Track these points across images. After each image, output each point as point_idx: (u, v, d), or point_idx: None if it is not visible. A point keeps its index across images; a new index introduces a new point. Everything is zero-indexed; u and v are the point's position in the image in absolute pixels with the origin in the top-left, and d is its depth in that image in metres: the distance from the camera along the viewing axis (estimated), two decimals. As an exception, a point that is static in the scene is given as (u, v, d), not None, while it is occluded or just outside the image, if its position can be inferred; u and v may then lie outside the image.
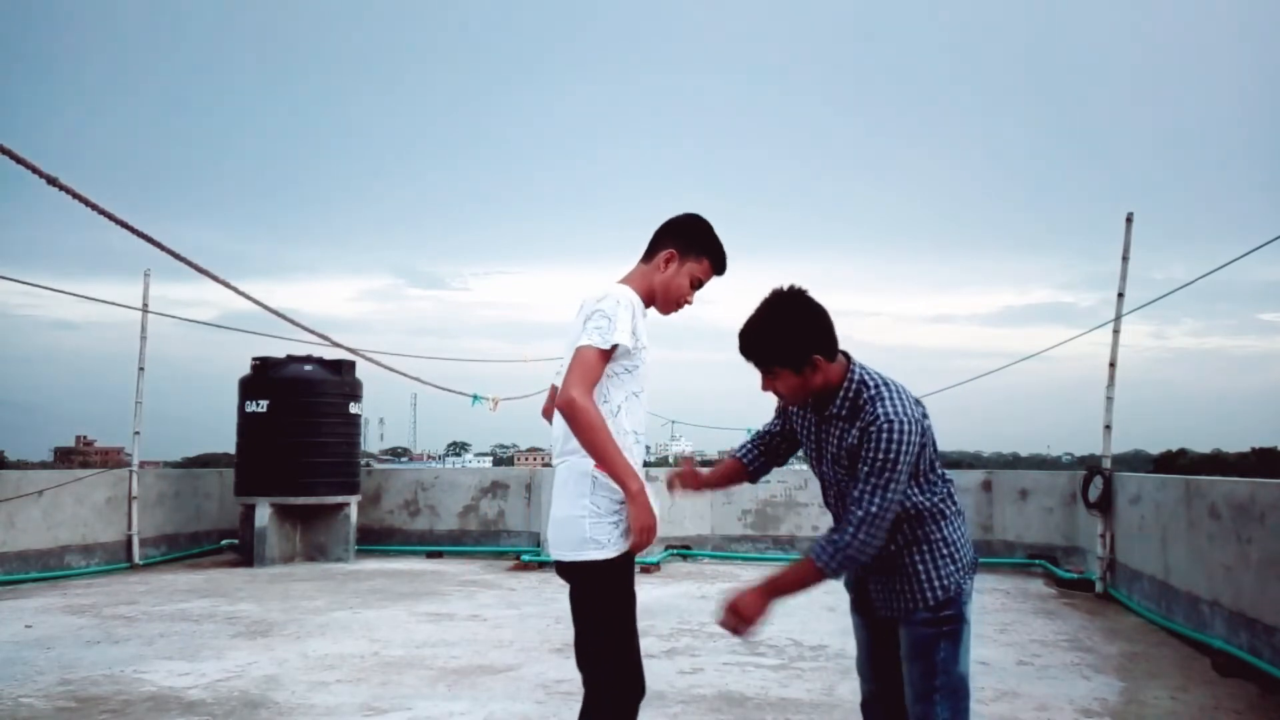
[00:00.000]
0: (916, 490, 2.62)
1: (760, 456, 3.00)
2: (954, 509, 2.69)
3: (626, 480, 2.60)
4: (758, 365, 2.62)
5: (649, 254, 2.89)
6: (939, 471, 2.68)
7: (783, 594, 2.57)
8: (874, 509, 2.48)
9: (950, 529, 2.66)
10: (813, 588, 2.59)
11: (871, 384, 2.57)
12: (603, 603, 2.69)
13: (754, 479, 3.04)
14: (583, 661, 2.74)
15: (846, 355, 2.62)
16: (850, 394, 2.57)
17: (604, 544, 2.64)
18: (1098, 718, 4.62)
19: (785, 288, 2.59)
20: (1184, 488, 6.65)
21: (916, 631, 2.63)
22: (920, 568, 2.63)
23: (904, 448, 2.48)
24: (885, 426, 2.48)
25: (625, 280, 2.86)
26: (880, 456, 2.47)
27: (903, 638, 2.67)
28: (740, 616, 2.56)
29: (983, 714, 4.62)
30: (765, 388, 2.65)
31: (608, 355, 2.65)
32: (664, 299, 2.88)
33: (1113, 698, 4.96)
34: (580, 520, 2.67)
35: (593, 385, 2.62)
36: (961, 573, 2.64)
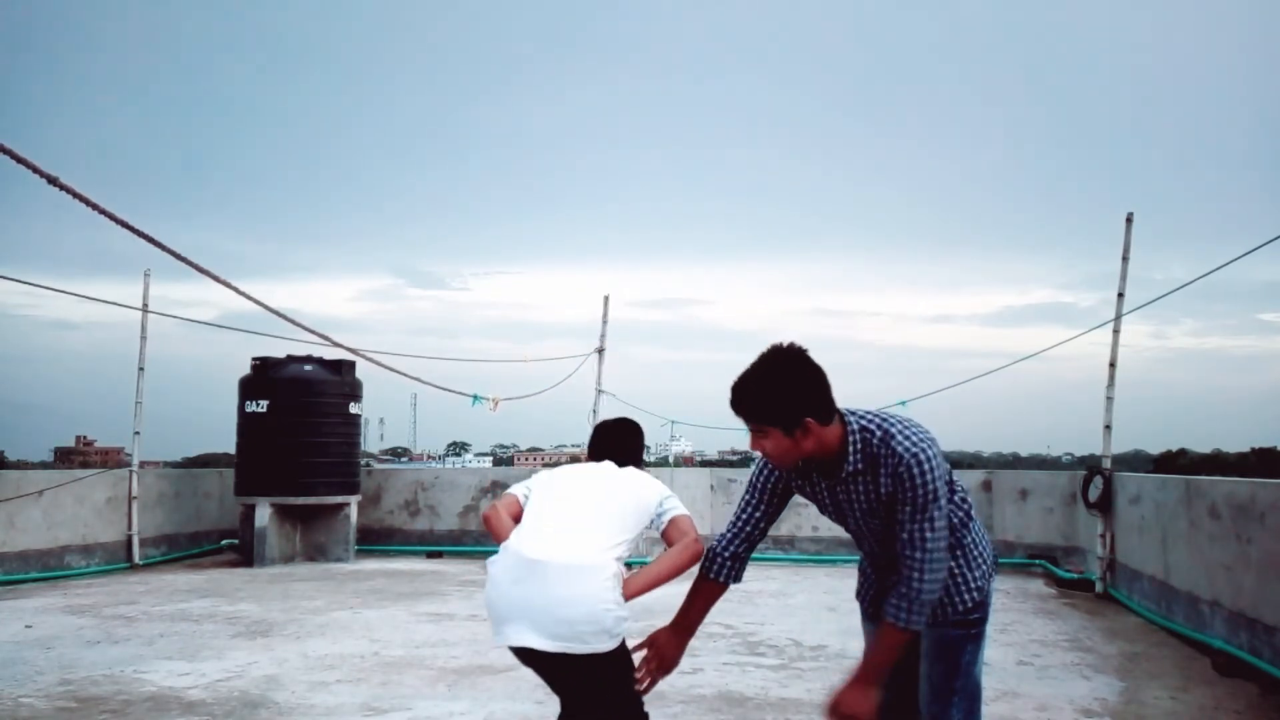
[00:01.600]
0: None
1: (739, 558, 2.81)
2: (970, 513, 2.68)
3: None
4: (748, 421, 2.51)
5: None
6: (953, 478, 2.66)
7: (883, 673, 2.51)
8: (930, 544, 2.43)
9: (974, 533, 2.66)
10: (902, 652, 2.52)
11: (874, 428, 2.48)
12: (621, 684, 2.89)
13: (737, 581, 2.85)
14: None
15: (840, 412, 2.51)
16: (859, 447, 2.48)
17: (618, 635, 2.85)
18: (1098, 718, 4.62)
19: (785, 345, 2.48)
20: (1184, 488, 6.65)
21: (945, 633, 2.61)
22: (956, 575, 2.60)
23: (936, 474, 2.44)
24: (913, 462, 2.41)
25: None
26: (920, 493, 2.42)
27: (926, 637, 2.63)
28: (854, 715, 2.46)
29: (983, 714, 4.62)
30: (754, 446, 2.56)
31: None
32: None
33: (1113, 698, 4.96)
34: (607, 611, 2.75)
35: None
36: (990, 574, 2.65)
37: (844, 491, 2.55)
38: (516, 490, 3.07)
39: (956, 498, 2.64)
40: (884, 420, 2.50)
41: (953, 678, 2.58)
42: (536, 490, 3.03)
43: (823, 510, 2.71)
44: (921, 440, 2.45)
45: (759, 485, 2.74)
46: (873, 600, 2.80)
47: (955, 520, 2.60)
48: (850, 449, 2.47)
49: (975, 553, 2.63)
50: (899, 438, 2.44)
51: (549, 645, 2.69)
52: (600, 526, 2.84)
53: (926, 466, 2.41)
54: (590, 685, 2.84)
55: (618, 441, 3.27)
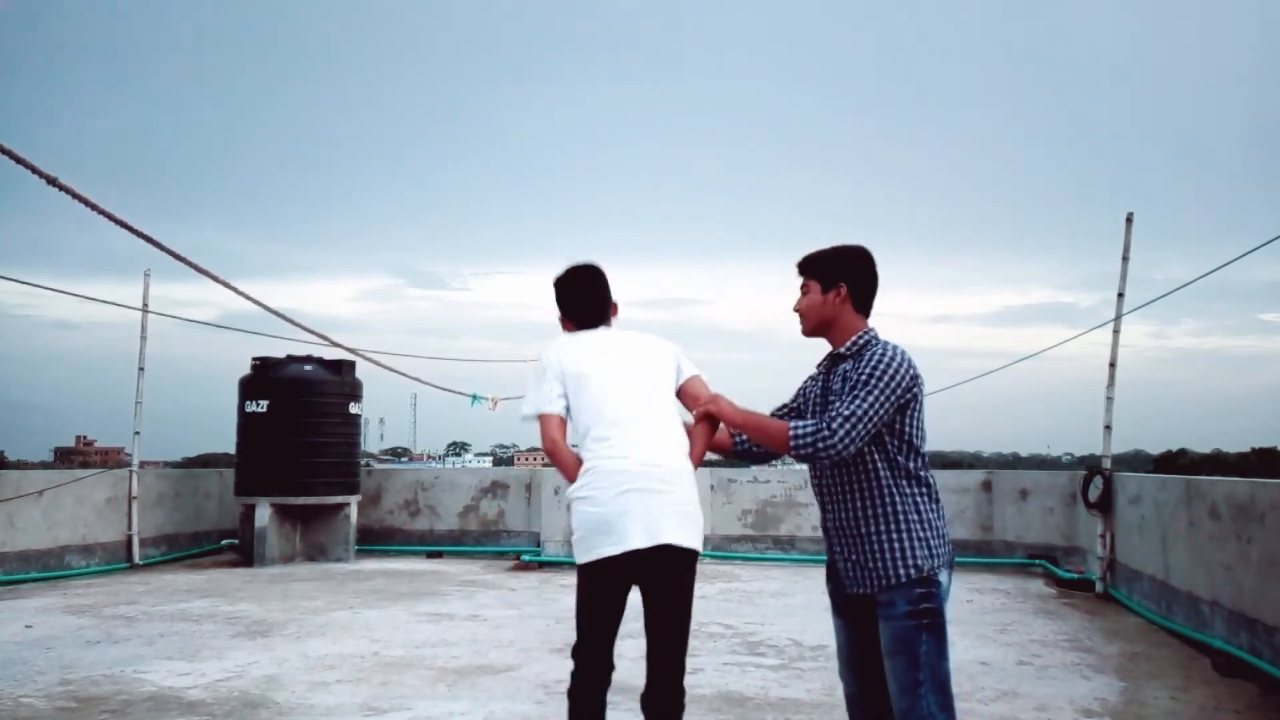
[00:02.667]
0: (897, 447, 2.72)
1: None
2: (933, 496, 2.77)
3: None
4: (801, 274, 2.91)
5: (606, 311, 3.29)
6: (924, 453, 2.77)
7: (746, 427, 2.91)
8: (856, 410, 2.65)
9: (928, 511, 2.73)
10: (768, 445, 2.90)
11: (881, 341, 2.82)
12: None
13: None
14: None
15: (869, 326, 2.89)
16: (861, 341, 2.82)
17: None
18: (1098, 718, 4.61)
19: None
20: (1184, 488, 6.65)
21: (897, 625, 2.66)
22: (891, 541, 2.68)
23: (892, 369, 2.68)
24: (879, 352, 2.73)
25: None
26: (868, 370, 2.69)
27: (883, 633, 2.69)
28: (718, 409, 2.94)
29: (983, 714, 4.62)
30: (796, 306, 2.93)
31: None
32: None
33: (1113, 698, 4.96)
34: (696, 509, 3.04)
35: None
36: (936, 559, 2.68)
37: (830, 378, 2.86)
38: (551, 408, 3.05)
39: (919, 465, 2.76)
40: (891, 342, 2.81)
41: (914, 669, 2.63)
42: (585, 397, 3.03)
43: (810, 406, 2.95)
44: (900, 351, 2.75)
45: (798, 391, 3.08)
46: (829, 573, 2.91)
47: (904, 475, 2.74)
48: (855, 337, 2.84)
49: (921, 533, 2.69)
50: (887, 344, 2.78)
51: (683, 540, 2.92)
52: (669, 422, 3.05)
53: (886, 359, 2.70)
54: (684, 584, 3.01)
55: (602, 299, 3.28)
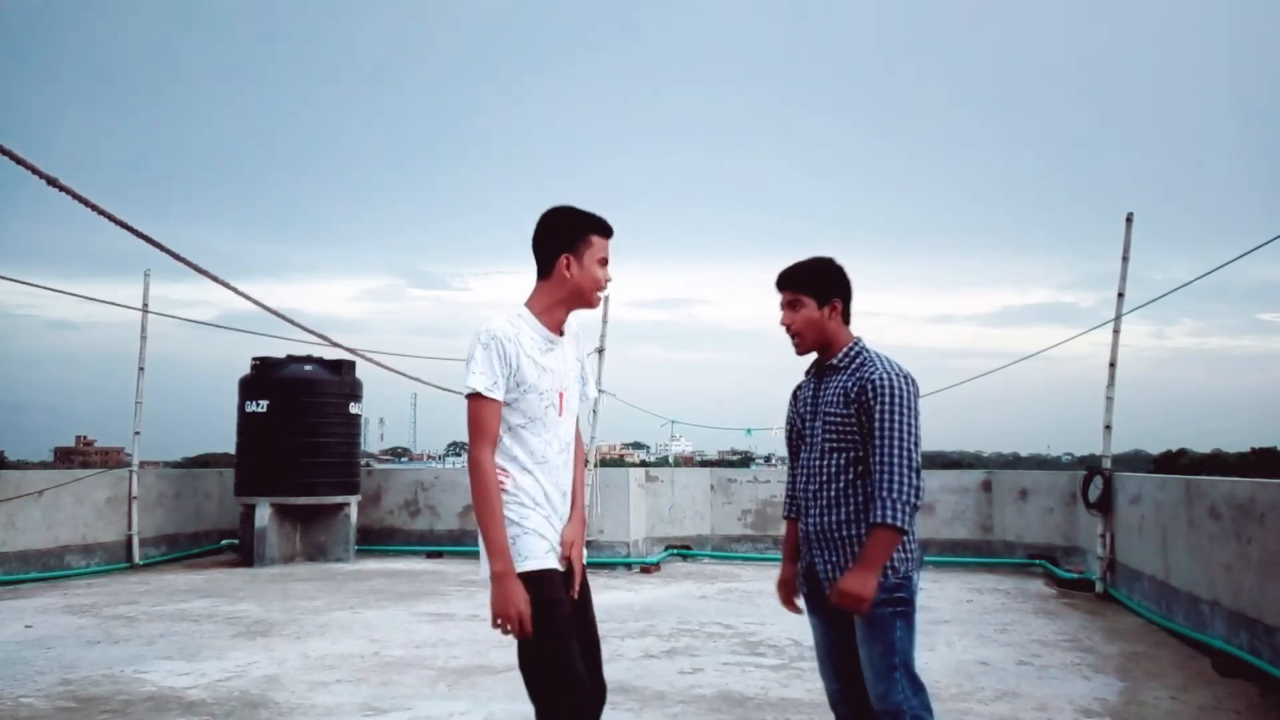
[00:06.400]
0: None
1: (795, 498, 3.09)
2: None
3: (492, 560, 2.60)
4: (789, 289, 2.91)
5: (545, 268, 2.81)
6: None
7: (880, 564, 2.71)
8: (898, 448, 2.68)
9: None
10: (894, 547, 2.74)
11: (871, 353, 2.88)
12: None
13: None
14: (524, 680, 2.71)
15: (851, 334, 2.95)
16: (853, 353, 2.88)
17: (522, 556, 2.64)
18: (1098, 718, 4.62)
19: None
20: (1184, 488, 6.65)
21: (873, 614, 2.73)
22: None
23: (904, 398, 2.73)
24: (882, 381, 2.75)
25: (529, 301, 2.82)
26: (886, 411, 2.71)
27: (859, 623, 2.77)
28: (857, 596, 2.67)
29: (983, 714, 4.63)
30: (784, 320, 2.92)
31: (489, 401, 2.65)
32: (587, 295, 2.83)
33: (1113, 698, 4.96)
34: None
35: (488, 441, 2.65)
36: (911, 563, 2.80)
37: (822, 387, 2.90)
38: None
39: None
40: (882, 357, 2.87)
41: (890, 655, 2.73)
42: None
43: (800, 416, 2.99)
44: (896, 375, 2.77)
45: (790, 440, 3.09)
46: (807, 574, 2.94)
47: None
48: (846, 349, 2.89)
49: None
50: (884, 363, 2.82)
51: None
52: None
53: (900, 388, 2.74)
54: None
55: (536, 252, 2.86)
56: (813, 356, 2.98)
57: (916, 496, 2.69)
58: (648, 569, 9.99)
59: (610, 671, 2.95)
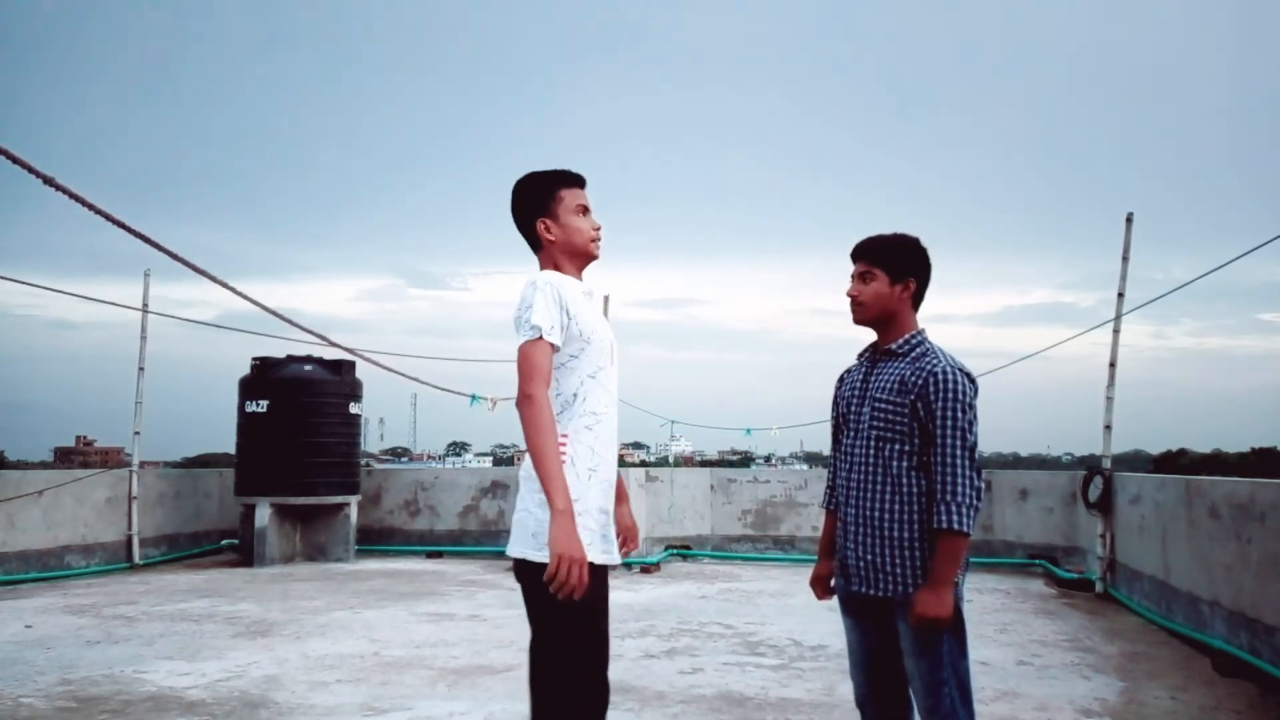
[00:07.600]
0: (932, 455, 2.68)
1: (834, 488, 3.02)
2: None
3: (553, 496, 2.43)
4: (864, 260, 2.80)
5: (531, 241, 2.81)
6: None
7: (952, 577, 2.60)
8: (961, 450, 2.60)
9: None
10: (965, 557, 2.66)
11: (932, 345, 2.78)
12: (542, 608, 2.53)
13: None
14: (530, 671, 2.61)
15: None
16: (915, 342, 2.77)
17: (544, 545, 2.46)
18: (1098, 718, 4.61)
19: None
20: (1184, 488, 6.65)
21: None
22: (914, 547, 2.66)
23: (962, 398, 2.63)
24: (944, 377, 2.64)
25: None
26: (944, 410, 2.62)
27: (904, 634, 2.67)
28: (935, 616, 2.56)
29: (983, 714, 4.62)
30: (851, 291, 2.82)
31: (547, 345, 2.56)
32: (580, 248, 2.78)
33: (1113, 698, 4.96)
34: (527, 516, 2.59)
35: (543, 381, 2.53)
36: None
37: (876, 372, 2.79)
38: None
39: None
40: (945, 352, 2.76)
41: (939, 669, 2.62)
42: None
43: (846, 399, 2.88)
44: (958, 374, 2.67)
45: (834, 427, 2.99)
46: (844, 572, 2.82)
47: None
48: (908, 336, 2.78)
49: None
50: (945, 358, 2.71)
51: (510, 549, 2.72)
52: None
53: (962, 383, 2.64)
54: (525, 593, 2.69)
55: (518, 225, 2.83)
56: (869, 339, 2.86)
57: (978, 499, 2.60)
58: (648, 569, 9.99)
59: (611, 671, 2.94)
